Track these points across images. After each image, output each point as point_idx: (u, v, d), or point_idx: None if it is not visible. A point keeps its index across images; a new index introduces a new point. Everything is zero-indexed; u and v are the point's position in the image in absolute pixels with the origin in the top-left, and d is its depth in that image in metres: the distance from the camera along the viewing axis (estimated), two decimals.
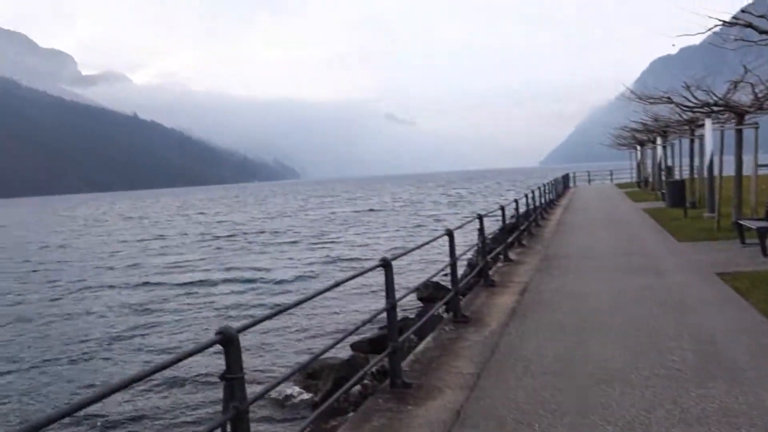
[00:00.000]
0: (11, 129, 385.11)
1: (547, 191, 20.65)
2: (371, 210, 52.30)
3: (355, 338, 9.34)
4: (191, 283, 19.22)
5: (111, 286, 19.86)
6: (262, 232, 36.78)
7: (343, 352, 9.37)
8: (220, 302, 16.14)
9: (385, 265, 4.69)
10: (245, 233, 37.02)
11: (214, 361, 9.95)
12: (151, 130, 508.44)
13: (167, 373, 9.86)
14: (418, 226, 34.94)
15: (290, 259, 23.61)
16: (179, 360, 2.42)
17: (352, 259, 22.25)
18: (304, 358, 4.24)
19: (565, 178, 36.58)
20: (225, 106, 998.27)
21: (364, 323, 4.71)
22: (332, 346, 4.04)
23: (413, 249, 6.34)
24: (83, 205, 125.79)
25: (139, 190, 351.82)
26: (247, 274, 20.27)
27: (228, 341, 2.65)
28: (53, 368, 11.34)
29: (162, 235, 39.89)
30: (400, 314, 6.20)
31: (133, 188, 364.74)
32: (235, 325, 2.68)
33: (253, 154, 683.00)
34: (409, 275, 17.32)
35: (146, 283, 19.90)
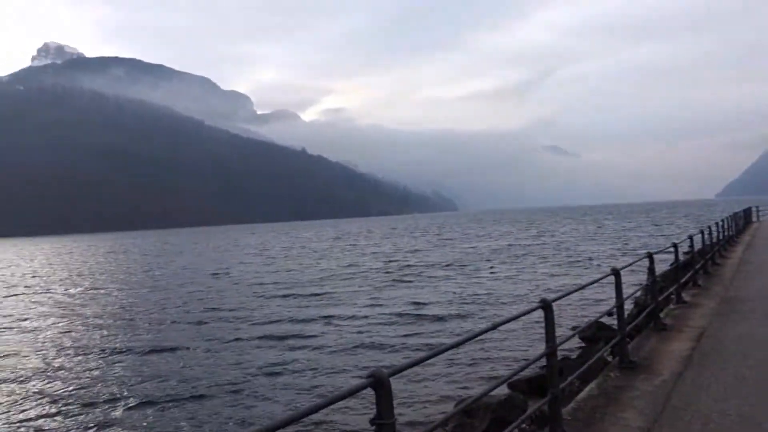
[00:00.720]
0: (196, 162, 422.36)
1: (726, 226, 18.93)
2: (528, 244, 50.79)
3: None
4: (339, 317, 19.30)
5: (263, 316, 20.40)
6: (415, 265, 36.25)
7: (499, 389, 9.01)
8: (368, 338, 15.90)
9: (545, 306, 4.44)
10: (398, 264, 36.85)
11: (360, 404, 9.77)
12: (318, 164, 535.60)
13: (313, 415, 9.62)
14: (577, 261, 32.93)
15: (442, 293, 23.14)
16: (329, 404, 2.38)
17: (508, 296, 21.21)
18: (456, 401, 4.14)
19: (747, 211, 33.34)
20: (388, 140, 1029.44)
21: (522, 368, 4.41)
22: (489, 391, 3.70)
23: (575, 290, 5.86)
24: (254, 235, 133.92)
25: (305, 221, 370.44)
26: (397, 309, 20.05)
27: (379, 384, 2.57)
28: (198, 401, 11.51)
29: (318, 264, 41.51)
30: (559, 353, 5.39)
31: (300, 219, 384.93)
32: (387, 368, 2.61)
33: (414, 187, 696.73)
34: (569, 311, 16.25)
35: (295, 315, 20.25)
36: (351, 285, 27.70)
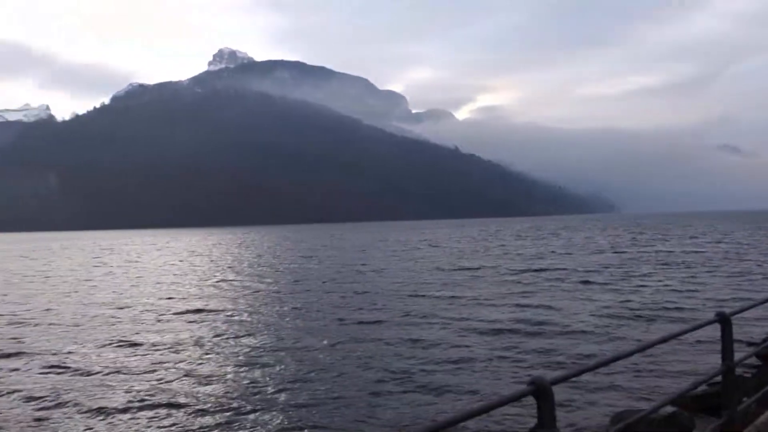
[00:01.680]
0: (354, 161, 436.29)
1: None
2: (696, 251, 47.06)
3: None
4: (487, 320, 18.73)
5: (408, 315, 20.15)
6: (566, 269, 34.62)
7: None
8: (522, 345, 15.23)
9: (723, 320, 4.13)
10: (545, 268, 35.39)
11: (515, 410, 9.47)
12: (470, 163, 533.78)
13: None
14: (753, 274, 29.75)
15: (595, 300, 21.91)
16: (489, 409, 2.29)
17: (674, 308, 19.66)
18: (613, 414, 3.82)
19: None
20: (543, 138, 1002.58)
21: (696, 385, 4.10)
22: (658, 408, 3.43)
23: (756, 304, 5.29)
24: (411, 231, 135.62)
25: (455, 219, 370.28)
26: (545, 316, 19.11)
27: (541, 392, 2.50)
28: (339, 401, 11.31)
29: (468, 263, 41.23)
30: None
31: (452, 217, 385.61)
32: (549, 375, 2.51)
33: (570, 187, 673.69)
34: (745, 326, 14.69)
35: (443, 314, 19.93)
36: (500, 287, 27.01)
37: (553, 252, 51.08)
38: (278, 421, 10.53)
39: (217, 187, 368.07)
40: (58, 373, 14.69)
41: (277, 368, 14.06)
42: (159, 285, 34.02)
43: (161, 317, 22.09)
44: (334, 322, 19.83)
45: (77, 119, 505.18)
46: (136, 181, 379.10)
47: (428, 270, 37.68)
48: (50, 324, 21.40)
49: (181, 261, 56.91)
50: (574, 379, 2.71)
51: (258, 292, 29.50)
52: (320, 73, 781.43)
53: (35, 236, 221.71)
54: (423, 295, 25.11)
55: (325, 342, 16.63)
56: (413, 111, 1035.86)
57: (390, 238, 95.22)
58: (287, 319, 21.00)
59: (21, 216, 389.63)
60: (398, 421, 10.48)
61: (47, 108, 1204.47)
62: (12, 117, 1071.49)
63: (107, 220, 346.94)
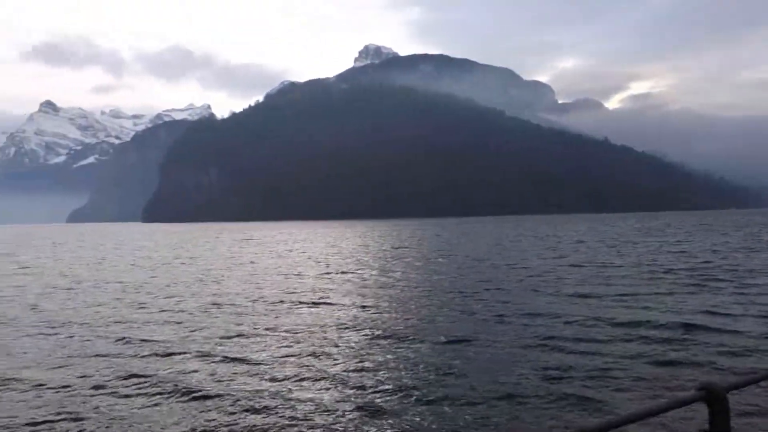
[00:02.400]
0: (497, 153, 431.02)
1: None
2: None
3: None
4: (640, 322, 17.92)
5: (555, 314, 19.69)
6: (732, 269, 32.23)
7: None
8: (678, 347, 14.67)
9: None
10: (706, 268, 33.32)
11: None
12: (622, 154, 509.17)
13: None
14: None
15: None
16: (658, 412, 2.23)
17: None
18: None
19: None
20: (702, 127, 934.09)
21: None
22: None
23: None
24: (557, 226, 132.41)
25: (605, 213, 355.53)
26: (702, 320, 18.10)
27: (714, 399, 2.39)
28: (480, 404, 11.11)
29: (619, 259, 39.99)
30: None
31: (601, 211, 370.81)
32: (721, 380, 2.40)
33: (733, 179, 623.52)
34: None
35: (593, 315, 19.45)
36: (656, 286, 25.94)
37: (718, 249, 48.04)
38: (411, 421, 10.50)
39: (363, 181, 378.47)
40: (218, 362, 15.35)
41: (408, 364, 14.05)
42: (301, 277, 35.94)
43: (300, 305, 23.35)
44: (484, 318, 19.71)
45: (234, 117, 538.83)
46: (289, 175, 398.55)
47: (566, 265, 37.17)
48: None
49: (321, 252, 59.65)
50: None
51: (400, 283, 30.36)
52: (463, 65, 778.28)
53: (205, 226, 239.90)
54: (580, 294, 24.56)
55: (457, 336, 16.71)
56: (560, 101, 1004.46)
57: (538, 232, 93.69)
58: (427, 312, 21.14)
59: (188, 208, 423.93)
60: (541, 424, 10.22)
61: (208, 107, 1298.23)
62: (178, 116, 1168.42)
63: (262, 212, 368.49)
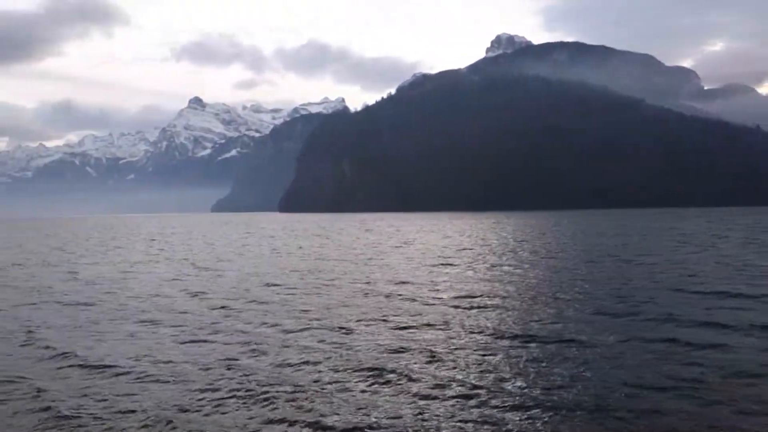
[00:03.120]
0: (634, 142, 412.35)
1: None
2: None
3: None
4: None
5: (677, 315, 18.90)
6: None
7: None
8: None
9: None
10: None
11: None
12: None
13: None
14: None
15: None
16: None
17: None
18: None
19: None
20: None
21: None
22: None
23: None
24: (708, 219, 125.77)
25: (759, 206, 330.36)
26: None
27: None
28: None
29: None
30: None
31: (753, 204, 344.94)
32: None
33: None
34: None
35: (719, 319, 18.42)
36: None
37: None
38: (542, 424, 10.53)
39: (495, 172, 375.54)
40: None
41: (533, 363, 14.04)
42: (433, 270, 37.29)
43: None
44: (606, 315, 19.37)
45: (367, 109, 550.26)
46: (421, 167, 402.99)
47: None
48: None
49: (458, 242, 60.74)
50: None
51: (549, 279, 30.67)
52: (599, 52, 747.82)
53: (338, 216, 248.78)
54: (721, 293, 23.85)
55: (588, 337, 16.22)
56: (706, 87, 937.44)
57: (689, 227, 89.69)
58: (552, 308, 20.94)
59: (321, 198, 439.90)
60: None
61: (342, 100, 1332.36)
62: (314, 110, 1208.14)
63: (394, 204, 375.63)
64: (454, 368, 13.97)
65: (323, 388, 12.80)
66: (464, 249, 50.75)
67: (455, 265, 36.69)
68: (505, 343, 16.37)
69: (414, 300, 23.55)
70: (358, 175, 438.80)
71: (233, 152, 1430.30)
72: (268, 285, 29.56)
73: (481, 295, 24.37)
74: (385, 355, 15.35)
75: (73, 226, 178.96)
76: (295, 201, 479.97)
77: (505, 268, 34.83)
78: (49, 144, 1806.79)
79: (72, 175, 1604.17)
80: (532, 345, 16.01)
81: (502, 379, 13.06)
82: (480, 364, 14.25)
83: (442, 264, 37.85)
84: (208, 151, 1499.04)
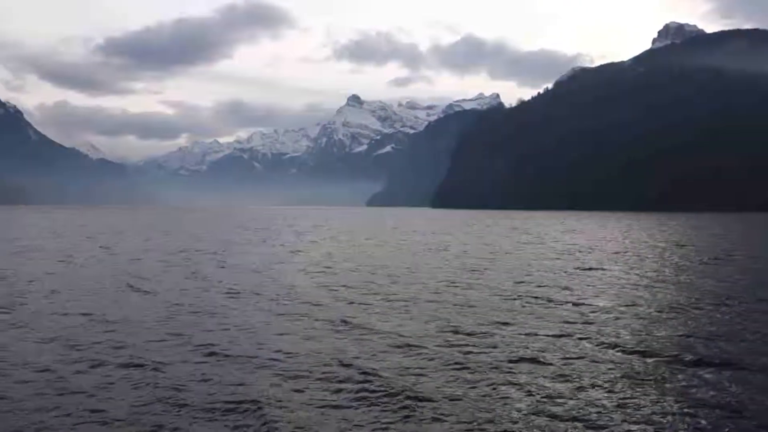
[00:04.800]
0: None
1: None
2: None
3: None
4: None
5: None
6: None
7: None
8: None
9: None
10: None
11: None
12: None
13: None
14: None
15: None
16: None
17: None
18: None
19: None
20: None
21: None
22: None
23: None
24: None
25: None
26: None
27: None
28: None
29: None
30: None
31: None
32: None
33: None
34: None
35: None
36: None
37: None
38: None
39: (658, 170, 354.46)
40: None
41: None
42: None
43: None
44: None
45: (522, 105, 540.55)
46: (578, 164, 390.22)
47: None
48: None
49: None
50: None
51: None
52: None
53: (491, 213, 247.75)
54: None
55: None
56: None
57: None
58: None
59: (474, 194, 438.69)
60: None
61: (497, 96, 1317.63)
62: (468, 106, 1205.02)
63: (548, 201, 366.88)
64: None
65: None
66: (618, 252, 49.28)
67: (606, 270, 35.93)
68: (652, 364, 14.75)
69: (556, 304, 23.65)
70: (512, 171, 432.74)
71: (388, 148, 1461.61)
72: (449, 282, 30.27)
73: (635, 304, 22.99)
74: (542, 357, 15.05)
75: (250, 215, 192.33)
76: (447, 197, 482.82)
77: (671, 274, 33.61)
78: (222, 140, 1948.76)
79: (240, 169, 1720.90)
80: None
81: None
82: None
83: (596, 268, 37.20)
84: (364, 146, 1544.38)
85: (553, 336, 17.37)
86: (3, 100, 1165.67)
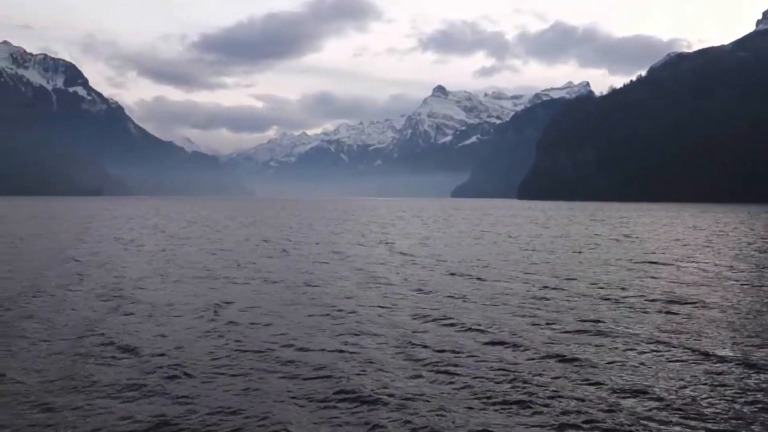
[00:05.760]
0: None
1: None
2: None
3: None
4: None
5: None
6: None
7: None
8: None
9: None
10: None
11: None
12: None
13: None
14: None
15: None
16: None
17: None
18: None
19: None
20: None
21: None
22: None
23: None
24: None
25: None
26: None
27: None
28: None
29: None
30: None
31: None
32: None
33: None
34: None
35: None
36: None
37: None
38: None
39: (761, 163, 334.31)
40: None
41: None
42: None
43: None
44: None
45: (613, 93, 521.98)
46: (671, 155, 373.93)
47: None
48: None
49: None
50: None
51: None
52: None
53: (585, 205, 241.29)
54: None
55: None
56: None
57: None
58: None
59: (561, 185, 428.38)
60: None
61: (587, 84, 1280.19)
62: (556, 95, 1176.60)
63: (637, 193, 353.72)
64: None
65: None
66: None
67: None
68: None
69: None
70: (600, 162, 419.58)
71: (473, 139, 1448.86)
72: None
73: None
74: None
75: (351, 205, 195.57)
76: (533, 188, 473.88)
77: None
78: (310, 132, 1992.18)
79: (327, 160, 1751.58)
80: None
81: None
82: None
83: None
84: (449, 137, 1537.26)
85: None
86: (106, 96, 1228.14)
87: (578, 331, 17.06)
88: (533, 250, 42.94)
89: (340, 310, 20.01)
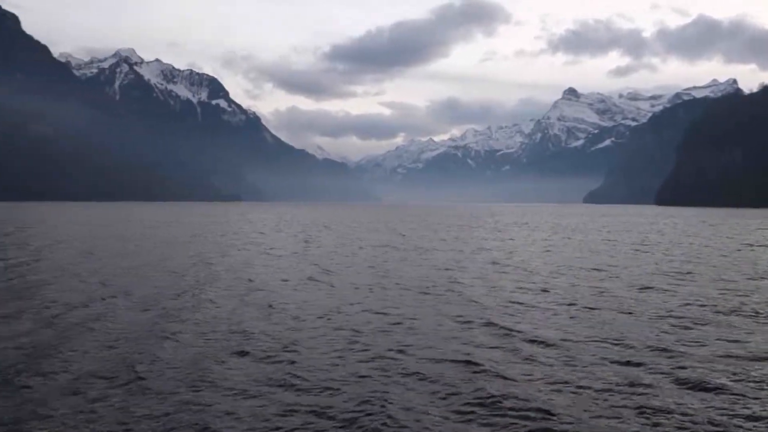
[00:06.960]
0: None
1: None
2: None
3: None
4: None
5: None
6: None
7: None
8: None
9: None
10: None
11: None
12: None
13: None
14: None
15: None
16: None
17: None
18: None
19: None
20: None
21: None
22: None
23: None
24: None
25: None
26: None
27: None
28: None
29: None
30: None
31: None
32: None
33: None
34: None
35: None
36: None
37: None
38: None
39: None
40: None
41: None
42: None
43: None
44: None
45: (765, 91, 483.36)
46: None
47: None
48: None
49: None
50: None
51: None
52: None
53: (723, 212, 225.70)
54: None
55: None
56: None
57: None
58: None
59: (704, 190, 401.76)
60: None
61: (734, 82, 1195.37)
62: (699, 94, 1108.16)
63: None
64: None
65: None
66: None
67: None
68: None
69: None
70: (749, 164, 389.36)
71: (607, 142, 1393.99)
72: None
73: None
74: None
75: (489, 211, 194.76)
76: (674, 193, 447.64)
77: None
78: (437, 138, 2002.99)
79: (454, 166, 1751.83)
80: None
81: None
82: None
83: None
84: (581, 141, 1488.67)
85: None
86: (245, 107, 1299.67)
87: None
88: None
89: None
